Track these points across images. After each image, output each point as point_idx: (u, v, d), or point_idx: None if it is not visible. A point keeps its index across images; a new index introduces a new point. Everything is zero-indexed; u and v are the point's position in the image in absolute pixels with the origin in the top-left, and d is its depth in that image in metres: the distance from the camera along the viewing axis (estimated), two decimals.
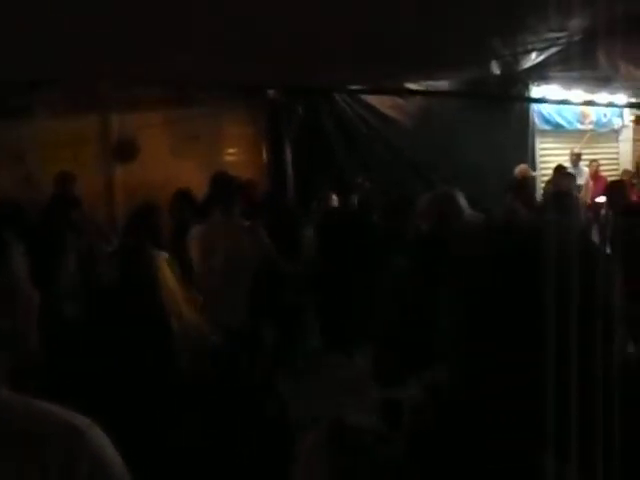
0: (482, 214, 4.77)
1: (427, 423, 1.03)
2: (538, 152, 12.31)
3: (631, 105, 11.93)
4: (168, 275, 3.46)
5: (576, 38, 6.28)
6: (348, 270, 6.11)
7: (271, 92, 9.22)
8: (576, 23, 5.55)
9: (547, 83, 10.31)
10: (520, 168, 9.43)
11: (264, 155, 9.90)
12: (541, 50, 6.95)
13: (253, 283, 5.18)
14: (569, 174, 10.34)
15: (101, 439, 1.23)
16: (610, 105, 11.82)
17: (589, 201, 10.91)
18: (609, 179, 11.79)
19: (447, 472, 0.99)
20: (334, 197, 7.86)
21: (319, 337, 6.40)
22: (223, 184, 5.36)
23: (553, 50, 7.07)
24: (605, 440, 0.91)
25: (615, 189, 7.61)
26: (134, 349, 3.13)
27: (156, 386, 3.14)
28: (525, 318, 0.95)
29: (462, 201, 3.73)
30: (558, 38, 6.34)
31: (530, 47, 6.73)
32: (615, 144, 14.32)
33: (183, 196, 6.77)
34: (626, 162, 14.25)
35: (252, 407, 3.90)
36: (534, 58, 7.48)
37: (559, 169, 11.15)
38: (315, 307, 6.55)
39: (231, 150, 9.82)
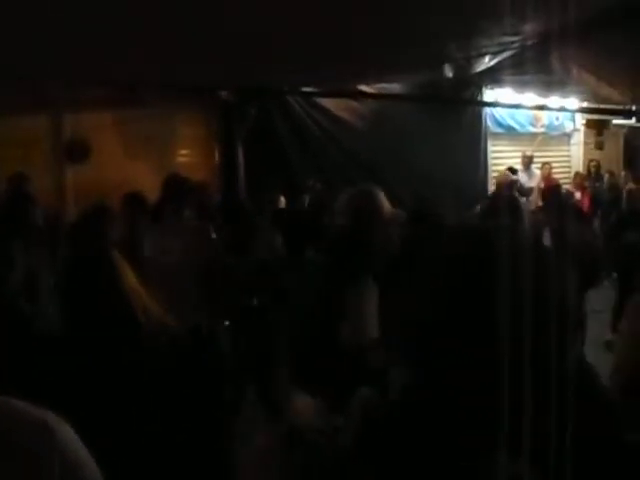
0: (403, 212, 4.86)
1: (377, 421, 1.05)
2: (490, 155, 12.38)
3: (582, 110, 12.03)
4: (128, 271, 3.42)
5: (529, 42, 6.27)
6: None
7: (224, 93, 9.11)
8: (529, 27, 5.51)
9: (500, 86, 10.36)
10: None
11: (216, 157, 9.82)
12: (494, 54, 6.94)
13: (206, 284, 5.14)
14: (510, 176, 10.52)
15: (71, 435, 1.23)
16: (562, 109, 11.91)
17: (540, 204, 10.95)
18: (560, 182, 11.92)
19: (397, 468, 1.00)
20: (282, 199, 7.84)
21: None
22: (175, 186, 5.35)
23: (506, 54, 7.06)
24: (558, 437, 0.92)
25: (549, 194, 7.63)
26: (106, 346, 3.08)
27: (129, 381, 3.11)
28: (477, 318, 0.96)
29: (382, 198, 3.74)
30: (512, 42, 6.31)
31: (483, 51, 6.70)
32: (567, 147, 14.49)
33: (134, 198, 6.57)
34: (578, 165, 14.41)
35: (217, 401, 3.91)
36: (487, 62, 7.46)
37: (509, 171, 11.22)
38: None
39: (184, 151, 9.71)
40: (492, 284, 0.94)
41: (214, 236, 5.38)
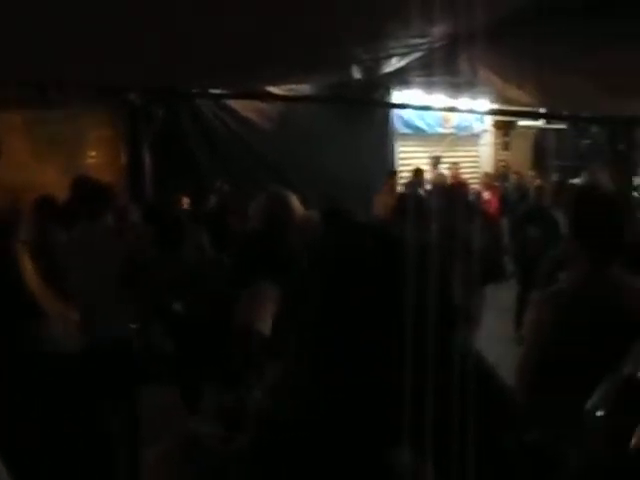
0: (317, 213, 4.97)
1: (270, 423, 1.03)
2: (398, 155, 12.42)
3: (490, 112, 12.15)
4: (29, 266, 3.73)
5: (437, 44, 6.21)
6: None
7: (131, 95, 8.88)
8: (437, 29, 5.44)
9: (409, 88, 10.32)
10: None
11: (124, 159, 9.66)
12: (402, 55, 6.87)
13: (127, 287, 5.12)
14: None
15: None
16: (470, 111, 12.01)
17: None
18: (468, 182, 12.05)
19: (294, 469, 0.99)
20: (185, 200, 7.88)
21: None
22: (86, 189, 5.31)
23: (415, 55, 7.01)
24: (459, 434, 0.93)
25: (448, 192, 7.65)
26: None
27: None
28: (372, 316, 0.96)
29: (294, 202, 3.80)
30: (419, 44, 6.25)
31: (391, 52, 6.62)
32: (476, 148, 14.68)
33: (45, 202, 6.48)
34: (487, 165, 14.60)
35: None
36: (395, 63, 7.40)
37: (417, 172, 11.26)
38: None
39: (92, 153, 9.53)
40: (378, 283, 0.96)
41: (135, 237, 5.42)
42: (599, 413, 1.46)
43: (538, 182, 10.94)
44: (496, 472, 1.04)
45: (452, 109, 11.55)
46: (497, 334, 6.42)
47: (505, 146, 14.18)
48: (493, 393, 1.11)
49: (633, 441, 1.54)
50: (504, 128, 13.65)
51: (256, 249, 3.53)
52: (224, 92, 9.50)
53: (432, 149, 13.03)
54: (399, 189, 9.51)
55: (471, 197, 10.60)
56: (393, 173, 9.50)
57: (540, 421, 1.54)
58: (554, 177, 13.92)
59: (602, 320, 2.60)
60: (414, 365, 0.91)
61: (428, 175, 12.15)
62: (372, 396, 0.96)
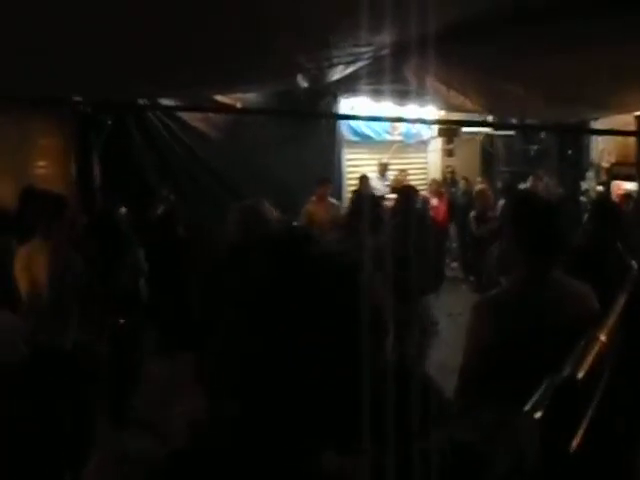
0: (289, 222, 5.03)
1: (198, 435, 1.03)
2: (346, 163, 12.45)
3: (436, 122, 12.27)
4: None
5: (383, 52, 6.23)
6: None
7: (80, 104, 8.72)
8: (382, 38, 5.45)
9: (356, 96, 10.37)
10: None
11: (72, 168, 9.45)
12: (348, 64, 6.87)
13: (79, 301, 5.13)
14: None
15: None
16: (416, 121, 12.11)
17: None
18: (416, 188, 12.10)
19: (226, 472, 0.99)
20: (122, 210, 7.77)
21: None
22: (36, 201, 5.33)
23: (361, 64, 7.02)
24: (390, 435, 0.95)
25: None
26: None
27: None
28: (290, 320, 0.97)
29: (268, 212, 3.88)
30: (364, 52, 6.25)
31: (336, 61, 6.61)
32: (424, 154, 14.76)
33: None
34: (435, 172, 14.71)
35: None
36: (341, 71, 7.41)
37: (363, 179, 11.31)
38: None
39: (41, 163, 9.30)
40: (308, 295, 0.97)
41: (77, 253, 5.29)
42: (537, 415, 1.47)
43: (480, 186, 11.07)
44: (426, 472, 1.04)
45: (398, 119, 11.62)
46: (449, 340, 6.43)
47: (449, 153, 14.32)
48: (424, 395, 1.11)
49: (573, 444, 1.56)
50: (448, 135, 13.79)
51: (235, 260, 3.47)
52: (172, 104, 9.46)
53: (380, 156, 13.10)
54: (331, 199, 9.44)
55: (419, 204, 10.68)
56: (325, 181, 9.41)
57: (474, 423, 1.54)
58: (500, 182, 14.12)
59: (542, 325, 2.62)
60: (345, 372, 0.93)
61: (375, 182, 12.23)
62: (302, 401, 0.97)
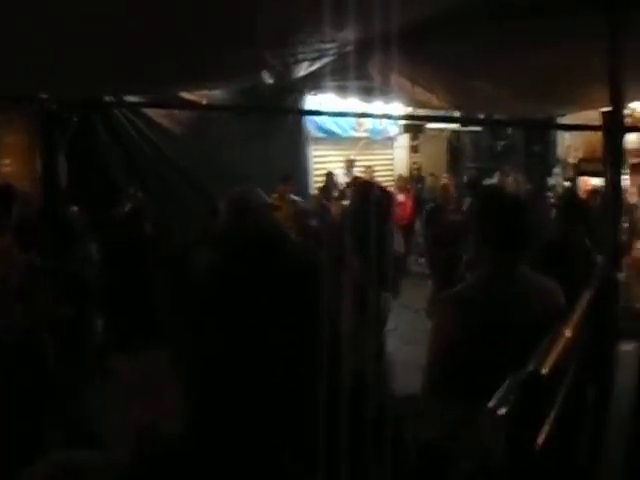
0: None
1: (154, 441, 1.02)
2: (312, 159, 12.43)
3: (403, 117, 12.28)
4: None
5: (348, 49, 6.22)
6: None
7: (45, 101, 8.60)
8: (347, 34, 5.44)
9: (322, 92, 10.35)
10: None
11: (38, 166, 9.31)
12: (312, 60, 6.85)
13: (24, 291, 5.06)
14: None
15: None
16: (383, 116, 12.11)
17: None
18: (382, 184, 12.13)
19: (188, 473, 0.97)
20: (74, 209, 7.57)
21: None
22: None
23: (326, 60, 7.00)
24: (351, 435, 0.94)
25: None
26: None
27: None
28: (250, 321, 0.97)
29: (255, 199, 3.88)
30: (329, 49, 6.23)
31: (301, 57, 6.59)
32: (390, 151, 14.79)
33: None
34: (401, 168, 14.75)
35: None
36: (307, 68, 7.39)
37: (329, 176, 11.30)
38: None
39: (6, 160, 9.21)
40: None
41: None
42: (501, 411, 1.46)
43: (444, 181, 11.08)
44: (389, 470, 1.04)
45: (364, 115, 11.61)
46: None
47: (415, 149, 14.36)
48: (386, 396, 1.14)
49: (538, 440, 1.56)
50: (413, 131, 13.82)
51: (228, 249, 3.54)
52: (137, 101, 9.41)
53: (346, 153, 13.11)
54: (294, 196, 9.43)
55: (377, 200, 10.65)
56: (287, 178, 9.40)
57: (439, 420, 1.54)
58: (466, 178, 14.16)
59: (508, 320, 2.61)
60: (303, 377, 0.93)
61: (341, 179, 12.23)
62: (260, 404, 0.97)
